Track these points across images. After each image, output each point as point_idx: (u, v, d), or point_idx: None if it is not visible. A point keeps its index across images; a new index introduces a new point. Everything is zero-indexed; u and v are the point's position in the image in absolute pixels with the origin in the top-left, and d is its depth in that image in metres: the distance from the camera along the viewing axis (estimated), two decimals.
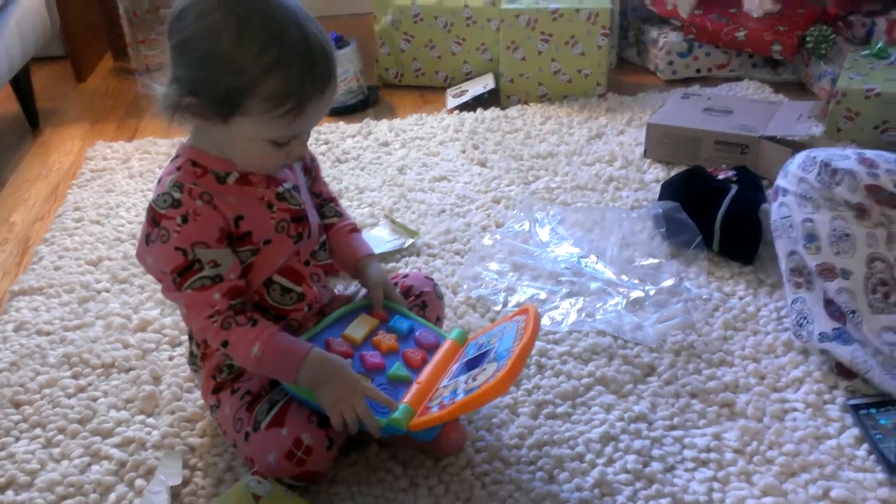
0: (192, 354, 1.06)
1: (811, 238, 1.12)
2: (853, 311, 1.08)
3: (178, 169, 0.94)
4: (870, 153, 1.14)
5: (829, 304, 1.11)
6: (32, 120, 2.15)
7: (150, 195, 1.68)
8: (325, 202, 1.13)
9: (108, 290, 1.40)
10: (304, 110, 0.88)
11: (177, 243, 0.91)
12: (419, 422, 0.93)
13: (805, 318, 1.14)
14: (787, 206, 1.16)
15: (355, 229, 1.13)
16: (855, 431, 1.03)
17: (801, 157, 1.18)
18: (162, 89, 0.91)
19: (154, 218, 0.92)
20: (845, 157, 1.12)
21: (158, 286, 1.37)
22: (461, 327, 1.22)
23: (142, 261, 0.97)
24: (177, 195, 0.92)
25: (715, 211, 1.40)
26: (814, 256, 1.12)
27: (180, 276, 0.91)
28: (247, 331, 0.93)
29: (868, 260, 1.08)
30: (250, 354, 0.93)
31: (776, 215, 1.19)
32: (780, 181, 1.20)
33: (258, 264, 0.98)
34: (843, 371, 1.10)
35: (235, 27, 0.84)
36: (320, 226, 1.08)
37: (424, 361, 1.03)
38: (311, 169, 1.11)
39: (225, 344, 0.93)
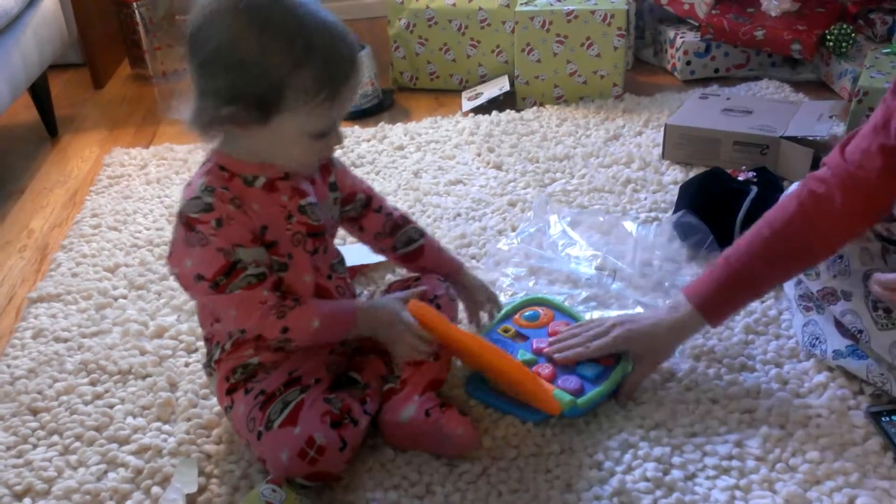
0: (208, 356, 1.06)
1: None
2: (860, 331, 1.07)
3: (208, 173, 0.96)
4: None
5: (838, 324, 1.11)
6: (51, 127, 2.17)
7: (167, 201, 1.71)
8: (402, 222, 1.17)
9: (125, 297, 1.41)
10: (340, 94, 0.91)
11: (218, 245, 0.93)
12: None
13: (817, 338, 1.13)
14: None
15: (439, 243, 1.21)
16: (881, 438, 1.01)
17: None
18: (188, 109, 0.92)
19: (188, 222, 0.93)
20: None
21: (174, 292, 1.39)
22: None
23: (175, 264, 0.97)
24: (208, 199, 0.93)
25: (735, 213, 1.38)
26: (815, 282, 1.13)
27: (226, 276, 0.93)
28: (300, 311, 0.97)
29: (864, 278, 1.07)
30: (311, 329, 0.98)
31: None
32: None
33: (289, 281, 0.99)
34: None
35: (258, 29, 0.87)
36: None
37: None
38: (371, 197, 1.15)
39: (285, 330, 0.97)
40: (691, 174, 1.65)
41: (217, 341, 1.04)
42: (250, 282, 0.94)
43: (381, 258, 1.40)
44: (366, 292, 1.17)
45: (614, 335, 1.09)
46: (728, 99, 1.88)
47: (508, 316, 1.20)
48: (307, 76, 0.88)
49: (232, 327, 1.00)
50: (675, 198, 1.53)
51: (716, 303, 1.07)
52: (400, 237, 1.16)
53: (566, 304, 1.25)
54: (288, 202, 0.98)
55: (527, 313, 1.19)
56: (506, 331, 1.16)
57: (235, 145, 0.96)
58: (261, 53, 0.87)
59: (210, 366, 1.06)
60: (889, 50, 1.90)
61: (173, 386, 1.18)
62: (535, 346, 1.13)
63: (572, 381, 1.06)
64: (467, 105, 2.12)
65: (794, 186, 1.20)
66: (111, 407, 1.15)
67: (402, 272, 1.40)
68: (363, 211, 1.14)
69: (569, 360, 1.08)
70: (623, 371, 1.09)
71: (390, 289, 1.18)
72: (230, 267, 0.93)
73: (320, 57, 0.88)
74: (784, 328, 1.22)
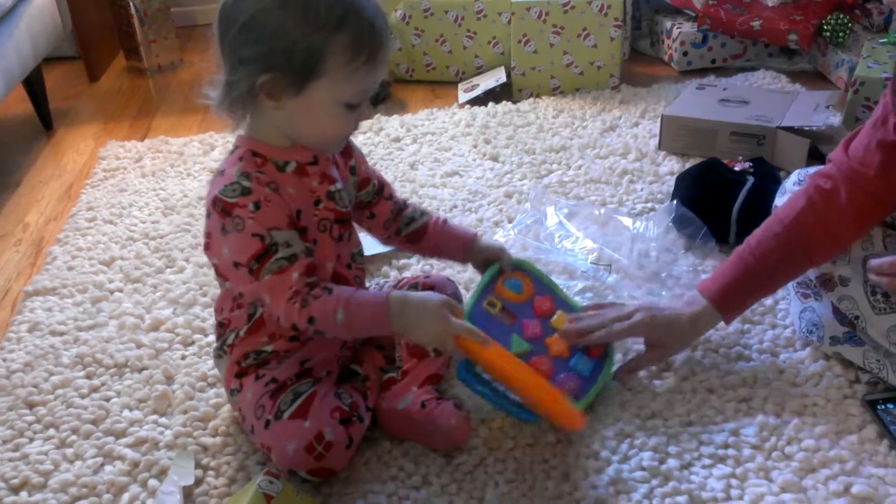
0: (221, 341, 1.05)
1: None
2: (857, 317, 1.07)
3: (241, 159, 0.95)
4: None
5: (836, 310, 1.11)
6: (45, 120, 2.16)
7: (162, 193, 1.71)
8: (405, 206, 1.15)
9: (120, 290, 1.41)
10: (377, 58, 0.91)
11: (253, 230, 0.92)
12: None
13: (815, 325, 1.14)
14: None
15: (446, 220, 1.16)
16: (876, 426, 1.01)
17: (795, 174, 1.20)
18: (216, 88, 0.92)
19: (224, 208, 0.92)
20: None
21: (170, 285, 1.39)
22: None
23: (214, 254, 0.97)
24: (246, 183, 0.92)
25: (731, 203, 1.38)
26: (812, 269, 1.12)
27: (258, 261, 0.92)
28: (325, 301, 0.92)
29: (863, 263, 1.06)
30: (336, 322, 0.93)
31: None
32: (778, 201, 1.19)
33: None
34: None
35: None
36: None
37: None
38: (383, 185, 1.13)
39: (311, 321, 0.93)
40: (688, 165, 1.65)
41: (234, 327, 1.03)
42: (281, 265, 0.92)
43: (378, 250, 1.40)
44: (374, 285, 1.16)
45: (636, 320, 1.08)
46: (725, 89, 1.88)
47: (489, 285, 1.12)
48: (346, 39, 0.88)
49: (274, 314, 0.98)
50: (672, 189, 1.53)
51: (730, 297, 1.08)
52: (403, 219, 1.14)
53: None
54: (317, 187, 0.98)
55: (507, 281, 1.13)
56: (492, 304, 1.09)
57: (263, 126, 0.96)
58: (301, 17, 0.87)
59: (222, 349, 1.05)
60: (886, 40, 1.90)
61: (170, 379, 1.18)
62: (528, 332, 1.10)
63: (572, 380, 1.05)
64: (463, 97, 2.12)
65: (792, 177, 1.20)
66: (107, 400, 1.14)
67: (402, 263, 1.41)
68: (376, 198, 1.13)
69: (591, 342, 1.08)
70: (611, 364, 1.09)
71: (399, 286, 1.16)
72: (264, 251, 0.92)
73: (358, 20, 0.89)
74: (780, 318, 1.22)
